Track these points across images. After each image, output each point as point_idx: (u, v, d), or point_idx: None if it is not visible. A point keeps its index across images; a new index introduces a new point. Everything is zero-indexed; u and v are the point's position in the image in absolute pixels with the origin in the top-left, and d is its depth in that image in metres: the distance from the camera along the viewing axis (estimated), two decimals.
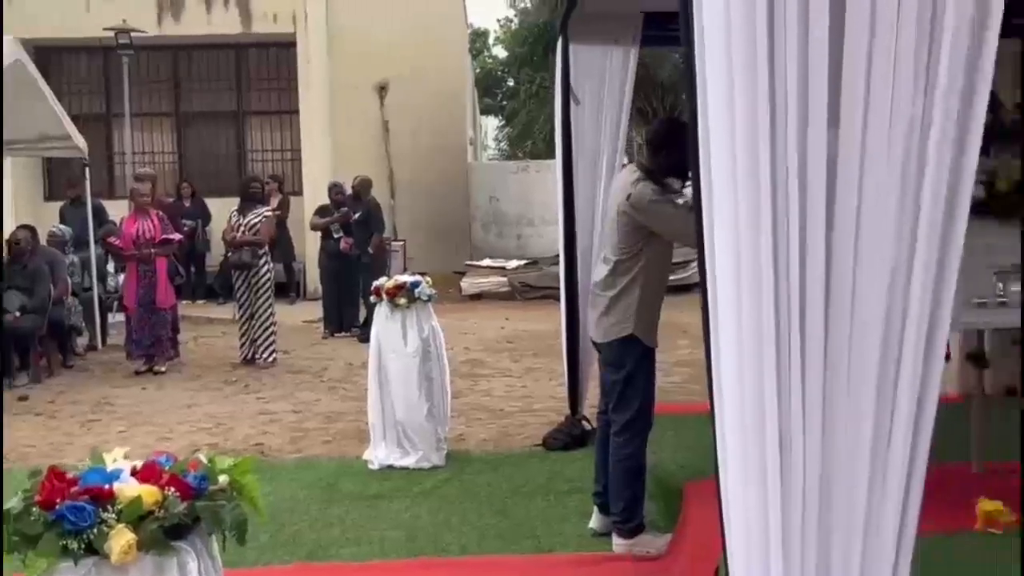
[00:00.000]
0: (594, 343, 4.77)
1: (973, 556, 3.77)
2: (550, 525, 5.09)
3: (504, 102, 32.06)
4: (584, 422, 6.70)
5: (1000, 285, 4.00)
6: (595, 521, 4.86)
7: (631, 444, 4.54)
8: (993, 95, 5.50)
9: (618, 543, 4.58)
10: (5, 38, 8.68)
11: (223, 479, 2.46)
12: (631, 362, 4.47)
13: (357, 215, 11.66)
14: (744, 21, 1.86)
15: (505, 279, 15.48)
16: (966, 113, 1.95)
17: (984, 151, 4.26)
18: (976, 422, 4.83)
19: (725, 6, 1.89)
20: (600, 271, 4.62)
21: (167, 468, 2.44)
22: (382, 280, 6.43)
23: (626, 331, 4.44)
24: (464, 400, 7.91)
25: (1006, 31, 2.02)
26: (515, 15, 30.64)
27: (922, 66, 1.86)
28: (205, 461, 2.49)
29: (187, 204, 14.70)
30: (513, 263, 15.93)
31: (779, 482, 1.87)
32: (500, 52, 32.69)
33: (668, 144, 4.40)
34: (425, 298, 6.24)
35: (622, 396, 4.51)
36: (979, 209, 3.92)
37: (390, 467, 6.11)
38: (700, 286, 2.10)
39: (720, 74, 1.91)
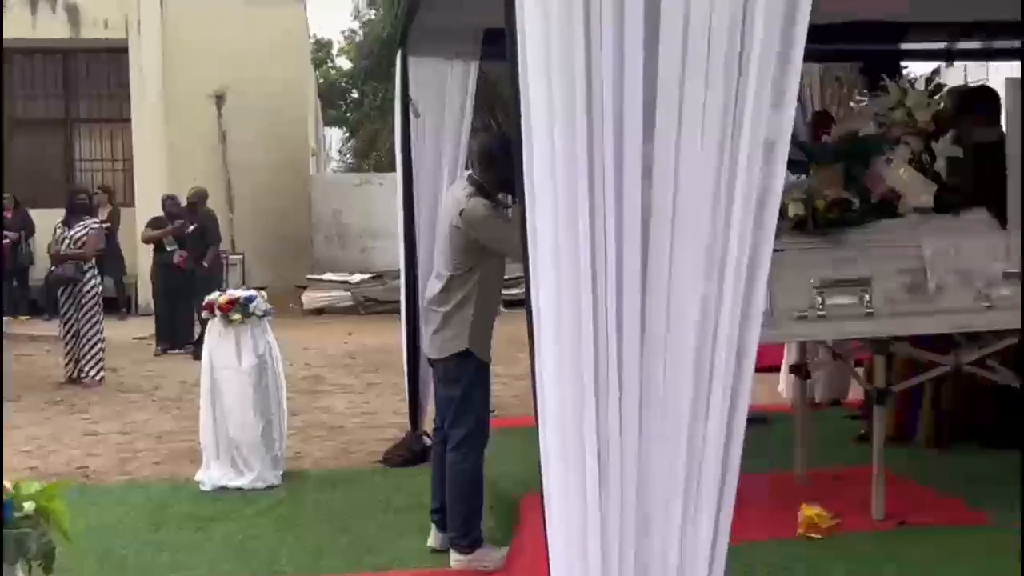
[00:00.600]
0: (429, 360, 4.75)
1: (795, 560, 3.90)
2: (390, 542, 5.03)
3: (349, 113, 31.78)
4: (425, 437, 6.65)
5: (819, 299, 4.16)
6: (433, 539, 4.82)
7: (468, 459, 4.53)
8: (825, 114, 5.77)
9: (456, 558, 4.56)
10: None
11: (29, 506, 2.32)
12: (466, 377, 4.47)
13: (192, 228, 11.34)
14: (563, 41, 1.89)
15: (348, 293, 15.31)
16: (773, 136, 2.00)
17: (802, 170, 4.47)
18: (801, 431, 5.01)
19: (545, 27, 1.91)
20: (433, 287, 4.59)
21: None
22: (215, 295, 6.25)
23: (461, 346, 4.43)
24: (303, 417, 7.76)
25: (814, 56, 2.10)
26: (360, 26, 30.43)
27: (732, 83, 1.92)
28: (9, 487, 2.34)
29: (8, 215, 13.97)
30: (357, 277, 15.76)
31: (598, 496, 1.89)
32: (345, 63, 32.40)
33: (498, 159, 4.37)
34: (260, 313, 6.09)
35: (458, 411, 4.50)
36: (799, 226, 4.12)
37: (223, 488, 5.93)
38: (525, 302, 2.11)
39: (541, 92, 1.92)
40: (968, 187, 4.39)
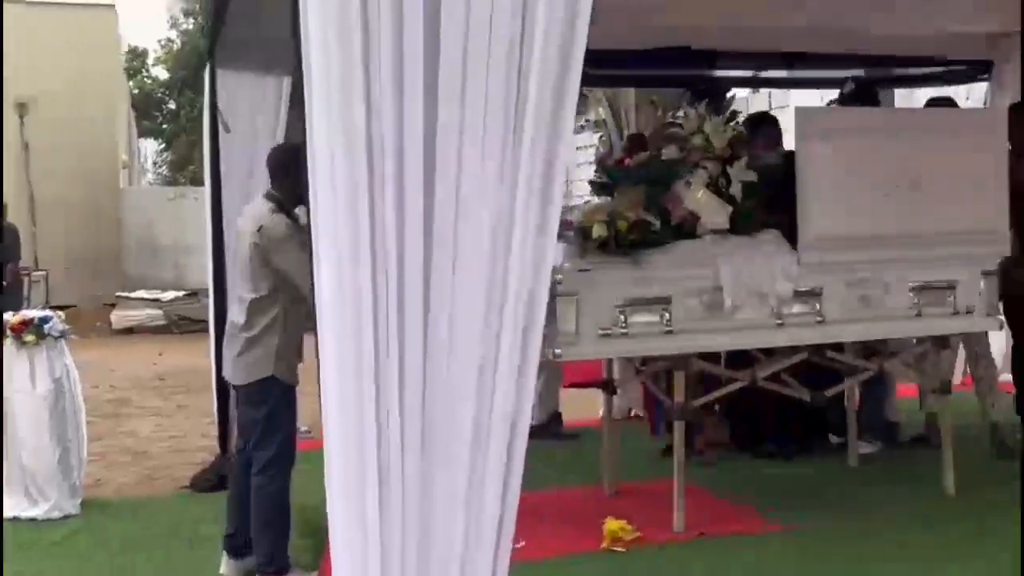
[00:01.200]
0: (232, 384, 4.60)
1: (597, 574, 3.98)
2: (197, 571, 4.85)
3: (165, 125, 30.76)
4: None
5: (622, 317, 4.27)
6: (224, 566, 4.65)
7: (274, 482, 4.41)
8: (639, 137, 5.95)
9: None
10: None
11: None
12: (272, 399, 4.36)
13: None
14: (343, 65, 1.88)
15: (161, 311, 14.77)
16: (551, 157, 2.04)
17: (610, 192, 4.57)
18: (607, 446, 5.13)
19: (324, 45, 1.90)
20: (236, 310, 4.46)
21: None
22: (8, 315, 5.91)
23: (266, 372, 4.31)
24: (106, 443, 7.42)
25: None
26: (177, 35, 29.54)
27: (511, 112, 1.95)
28: None
29: None
30: (170, 294, 15.23)
31: (378, 521, 1.88)
32: (162, 73, 31.34)
33: (291, 171, 4.23)
34: (56, 335, 5.79)
35: (264, 433, 4.38)
36: (602, 247, 4.23)
37: (15, 519, 5.60)
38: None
39: (322, 119, 1.91)
40: (761, 209, 4.60)
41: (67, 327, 5.94)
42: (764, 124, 5.46)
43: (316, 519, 5.01)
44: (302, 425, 7.45)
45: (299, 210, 4.33)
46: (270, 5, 4.44)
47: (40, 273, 14.13)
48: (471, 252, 1.93)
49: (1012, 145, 4.90)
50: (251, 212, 4.44)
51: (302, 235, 4.24)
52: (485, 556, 1.98)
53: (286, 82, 6.37)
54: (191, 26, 27.19)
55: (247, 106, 6.33)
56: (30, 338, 5.71)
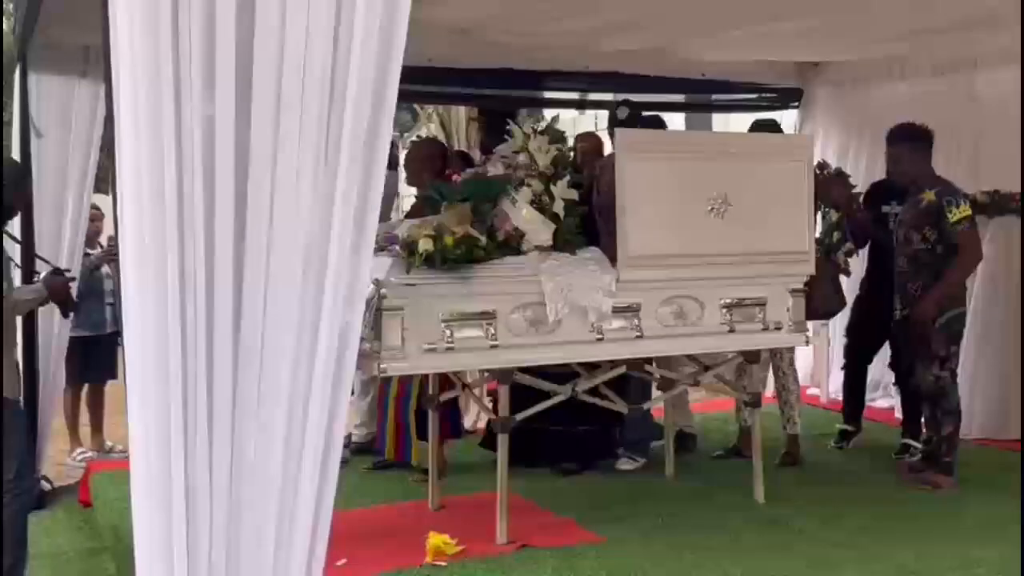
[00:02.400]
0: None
1: None
2: None
3: None
4: (44, 481, 6.19)
5: (448, 332, 4.29)
6: None
7: (16, 501, 4.06)
8: (464, 155, 5.97)
9: None
10: None
11: None
12: None
13: None
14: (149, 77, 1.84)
15: None
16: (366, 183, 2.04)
17: (437, 208, 4.57)
18: (433, 459, 5.13)
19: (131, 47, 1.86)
20: None
21: None
22: None
23: None
24: None
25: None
26: None
27: (324, 129, 1.94)
28: None
29: None
30: None
31: (185, 543, 1.84)
32: None
33: None
34: None
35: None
36: (428, 261, 4.24)
37: None
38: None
39: (129, 125, 1.87)
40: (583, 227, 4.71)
41: None
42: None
43: (127, 544, 4.87)
44: (117, 444, 7.21)
45: None
46: (84, 7, 4.29)
47: None
48: (285, 270, 1.91)
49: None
50: None
51: None
52: (298, 566, 1.95)
53: (103, 87, 6.13)
54: (5, 27, 25.82)
55: (60, 111, 6.08)
56: None
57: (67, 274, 4.56)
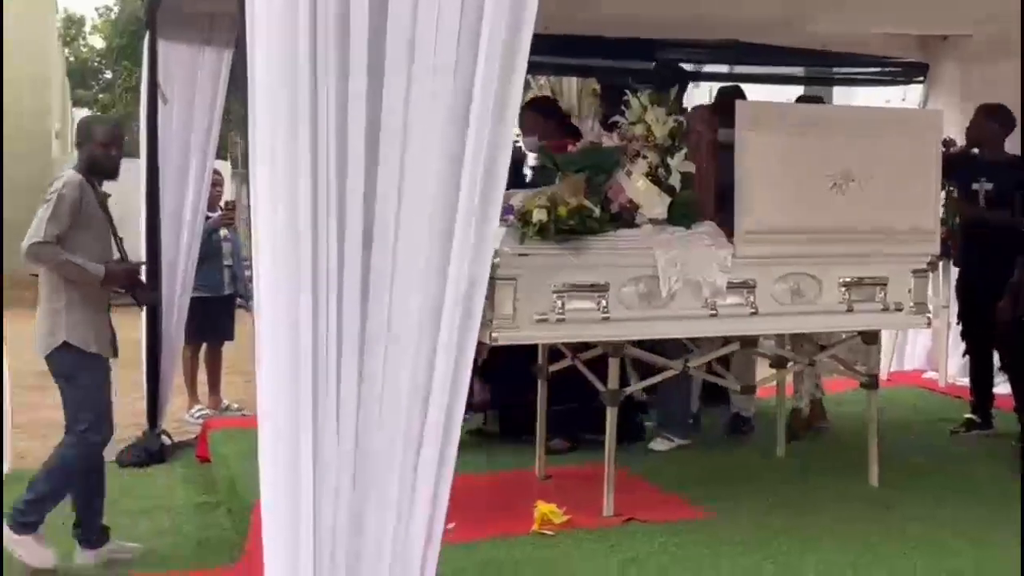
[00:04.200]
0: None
1: (526, 555, 4.01)
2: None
3: (100, 95, 30.12)
4: (164, 436, 6.41)
5: (559, 303, 4.29)
6: (78, 555, 4.61)
7: (72, 449, 4.43)
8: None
9: (7, 535, 4.41)
10: None
11: None
12: (71, 370, 4.38)
13: None
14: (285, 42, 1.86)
15: None
16: (496, 141, 2.04)
17: (553, 179, 4.58)
18: (540, 430, 5.15)
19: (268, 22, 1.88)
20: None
21: None
22: None
23: (58, 341, 4.33)
24: (30, 415, 7.27)
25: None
26: (115, 3, 28.90)
27: (461, 107, 1.93)
28: None
29: None
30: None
31: (312, 507, 1.87)
32: (98, 41, 30.67)
33: (82, 142, 4.52)
34: None
35: (73, 406, 4.42)
36: (541, 232, 4.23)
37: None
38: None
39: (266, 86, 1.89)
40: (702, 200, 4.64)
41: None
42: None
43: (244, 496, 5.01)
44: (232, 403, 7.43)
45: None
46: None
47: None
48: (413, 236, 1.92)
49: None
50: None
51: (71, 200, 4.32)
52: (418, 531, 1.97)
53: (227, 55, 6.29)
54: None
55: (185, 78, 6.25)
56: None
57: (130, 264, 4.77)
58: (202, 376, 7.45)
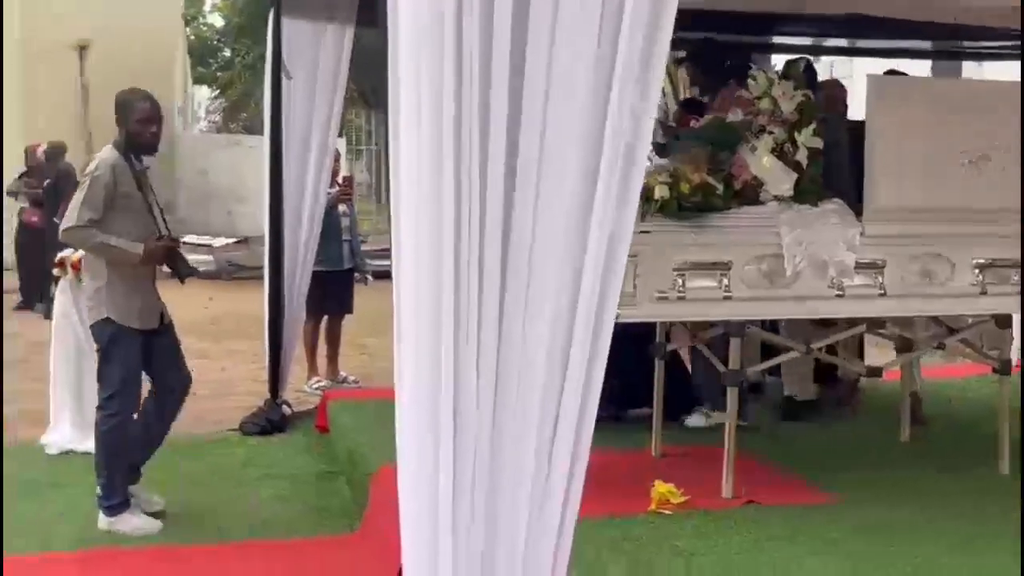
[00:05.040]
0: None
1: (645, 533, 3.99)
2: (241, 512, 4.93)
3: (219, 72, 30.85)
4: (285, 406, 6.56)
5: (680, 281, 4.24)
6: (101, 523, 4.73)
7: (109, 421, 4.59)
8: (694, 101, 5.88)
9: (103, 520, 4.60)
10: None
11: None
12: (105, 341, 4.56)
13: (47, 182, 10.86)
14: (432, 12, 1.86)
15: (211, 257, 14.90)
16: (638, 116, 2.01)
17: (665, 152, 4.52)
18: (657, 409, 5.11)
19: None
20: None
21: None
22: (67, 252, 5.98)
23: (100, 316, 4.54)
24: None
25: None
26: None
27: (603, 77, 1.91)
28: None
29: None
30: (221, 240, 15.35)
31: (451, 470, 1.88)
32: (217, 20, 31.43)
33: (121, 119, 4.62)
34: None
35: (101, 375, 4.61)
36: (663, 209, 4.18)
37: (71, 452, 5.71)
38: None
39: (411, 64, 1.89)
40: (828, 177, 4.52)
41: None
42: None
43: (363, 467, 5.10)
44: (350, 375, 7.56)
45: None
46: None
47: None
48: (553, 211, 1.91)
49: None
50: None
51: (106, 181, 4.44)
52: (553, 508, 1.98)
53: (349, 31, 6.37)
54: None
55: (308, 54, 6.34)
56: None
57: (172, 239, 4.86)
58: (321, 349, 7.60)
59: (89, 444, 5.75)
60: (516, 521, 1.97)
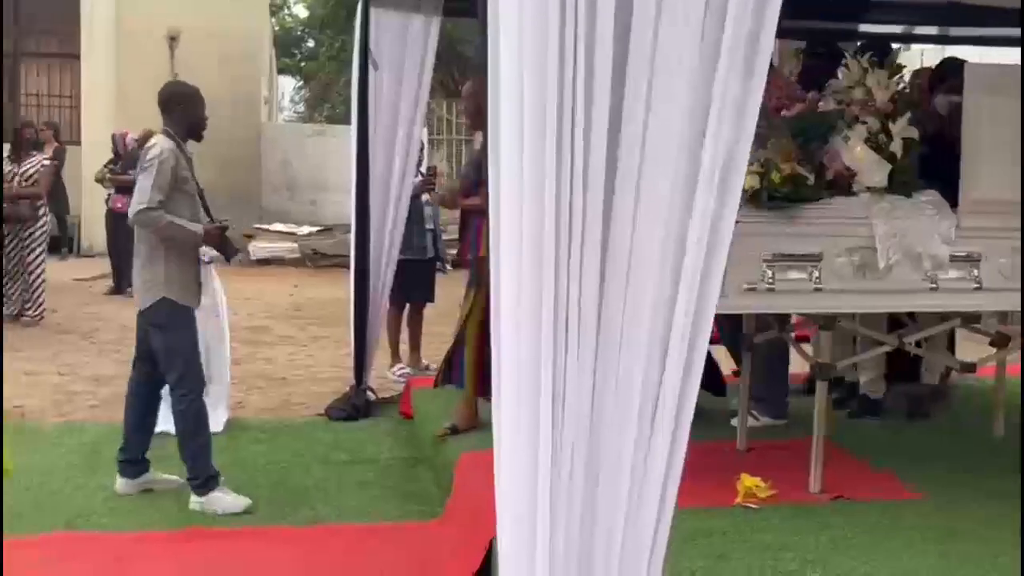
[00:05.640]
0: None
1: (731, 527, 3.95)
2: (327, 495, 5.01)
3: (303, 63, 31.27)
4: (369, 392, 6.64)
5: (769, 272, 4.18)
6: (119, 485, 4.94)
7: (184, 401, 4.74)
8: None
9: (194, 500, 4.74)
10: None
11: None
12: (167, 322, 4.71)
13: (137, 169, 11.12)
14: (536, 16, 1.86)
15: (296, 245, 15.15)
16: (743, 102, 1.99)
17: (762, 143, 4.47)
18: (742, 401, 5.06)
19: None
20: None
21: None
22: None
23: (158, 295, 4.68)
24: (245, 367, 7.69)
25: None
26: None
27: (708, 61, 1.90)
28: None
29: None
30: (305, 229, 15.59)
31: (549, 459, 1.89)
32: (301, 11, 31.87)
33: (172, 107, 4.83)
34: (206, 260, 5.99)
35: (167, 357, 4.74)
36: (753, 199, 4.13)
37: (163, 433, 5.85)
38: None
39: (512, 69, 1.90)
40: (923, 167, 4.43)
41: (216, 253, 6.13)
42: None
43: (447, 451, 5.14)
44: (431, 363, 7.62)
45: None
46: None
47: None
48: (654, 201, 1.90)
49: None
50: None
51: (164, 166, 4.62)
52: (651, 496, 1.97)
53: (435, 22, 6.40)
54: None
55: (395, 45, 6.39)
56: None
57: (223, 222, 5.15)
58: (403, 336, 7.68)
59: None
60: (614, 516, 1.97)
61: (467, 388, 5.28)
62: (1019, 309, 4.81)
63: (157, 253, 4.71)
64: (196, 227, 4.76)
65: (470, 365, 5.25)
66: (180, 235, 4.71)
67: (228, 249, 5.15)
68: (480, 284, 5.10)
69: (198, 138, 4.93)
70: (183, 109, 4.87)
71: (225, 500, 4.74)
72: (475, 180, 5.26)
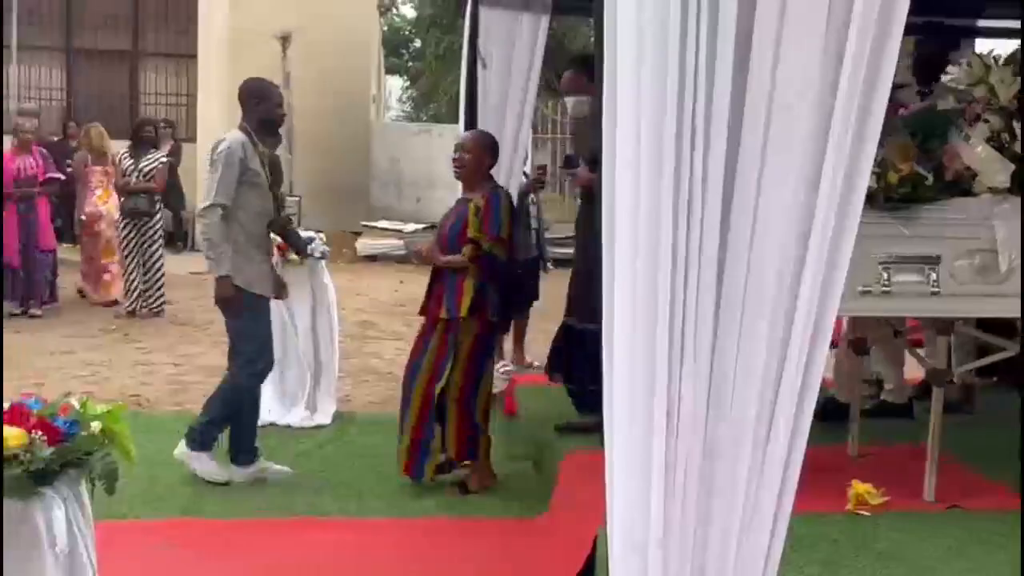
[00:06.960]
0: None
1: (842, 533, 3.87)
2: (432, 489, 5.06)
3: (410, 63, 31.68)
4: None
5: (885, 275, 4.08)
6: (232, 473, 5.09)
7: (236, 378, 4.96)
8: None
9: (181, 450, 4.98)
10: None
11: (95, 425, 2.36)
12: (238, 309, 4.90)
13: None
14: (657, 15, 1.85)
15: (401, 242, 15.33)
16: (867, 106, 1.95)
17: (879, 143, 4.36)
18: (854, 406, 4.95)
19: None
20: None
21: (35, 411, 2.33)
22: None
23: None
24: (352, 361, 7.82)
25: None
26: None
27: (831, 58, 1.86)
28: (77, 405, 2.38)
29: (73, 144, 14.13)
30: (411, 226, 15.77)
31: (663, 461, 1.88)
32: (409, 12, 32.30)
33: (245, 102, 5.01)
34: (318, 255, 6.13)
35: (237, 340, 5.00)
36: (869, 199, 4.03)
37: (272, 424, 6.00)
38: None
39: (629, 68, 1.89)
40: None
41: (327, 249, 6.26)
42: None
43: (553, 448, 5.14)
44: (535, 360, 7.64)
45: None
46: None
47: (293, 199, 14.92)
48: (776, 205, 1.88)
49: None
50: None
51: (233, 159, 4.82)
52: (766, 511, 1.94)
53: (543, 20, 6.40)
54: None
55: (503, 43, 6.41)
56: (294, 257, 6.07)
57: (288, 216, 5.54)
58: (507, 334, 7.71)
59: (290, 418, 6.06)
60: (729, 525, 1.95)
61: (449, 451, 5.12)
62: None
63: (225, 243, 4.87)
64: (222, 266, 4.87)
65: (452, 433, 5.07)
66: (210, 251, 4.90)
67: (296, 242, 5.60)
68: (457, 356, 5.01)
69: (272, 132, 5.10)
70: (255, 104, 5.01)
71: (209, 464, 4.96)
72: (455, 234, 5.12)
